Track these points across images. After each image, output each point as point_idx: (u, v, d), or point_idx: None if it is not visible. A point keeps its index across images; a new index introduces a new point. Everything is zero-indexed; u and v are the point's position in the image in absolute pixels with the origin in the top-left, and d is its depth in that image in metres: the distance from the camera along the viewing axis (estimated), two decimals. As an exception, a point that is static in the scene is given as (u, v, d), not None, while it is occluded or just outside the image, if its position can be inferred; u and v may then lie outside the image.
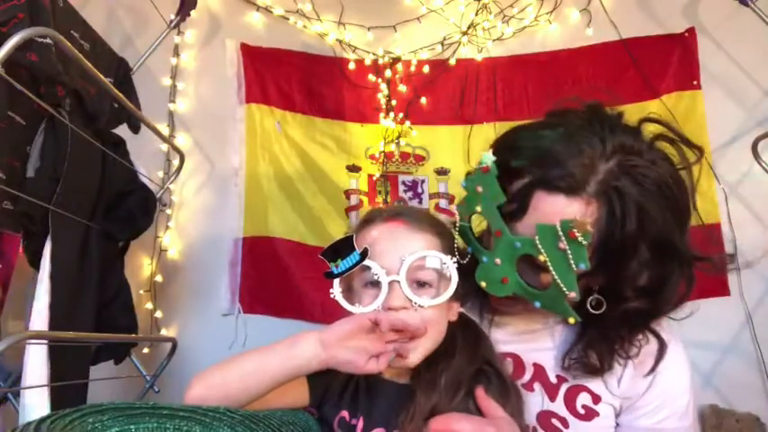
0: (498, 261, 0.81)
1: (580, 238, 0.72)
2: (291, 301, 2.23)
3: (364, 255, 0.80)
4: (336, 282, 0.82)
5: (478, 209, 0.83)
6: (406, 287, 0.78)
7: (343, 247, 0.82)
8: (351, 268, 0.81)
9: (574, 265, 0.74)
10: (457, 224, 0.87)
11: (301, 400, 0.84)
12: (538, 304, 0.81)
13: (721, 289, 2.09)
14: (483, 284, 0.84)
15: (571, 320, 0.80)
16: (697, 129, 2.17)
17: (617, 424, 0.90)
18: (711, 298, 2.09)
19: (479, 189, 0.82)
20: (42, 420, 0.61)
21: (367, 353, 0.76)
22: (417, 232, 0.82)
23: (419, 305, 0.79)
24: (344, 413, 0.82)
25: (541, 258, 0.76)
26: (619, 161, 0.75)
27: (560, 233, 0.74)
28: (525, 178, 0.78)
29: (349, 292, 0.84)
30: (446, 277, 0.81)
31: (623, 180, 0.74)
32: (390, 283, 0.79)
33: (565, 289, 0.76)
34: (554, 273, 0.76)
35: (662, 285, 0.79)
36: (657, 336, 0.87)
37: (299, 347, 0.77)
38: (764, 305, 2.06)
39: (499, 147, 0.84)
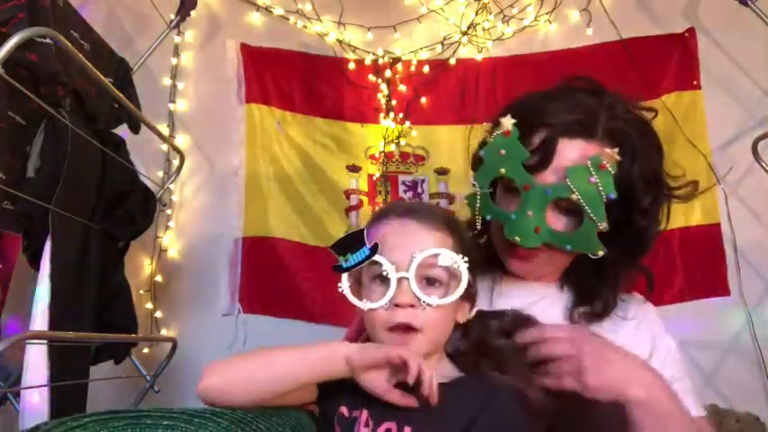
0: (530, 213, 0.87)
1: (609, 168, 0.84)
2: (291, 300, 2.22)
3: (374, 250, 0.79)
4: (344, 276, 0.81)
5: (503, 170, 0.90)
6: (415, 285, 0.77)
7: (353, 241, 0.80)
8: (360, 263, 0.79)
9: (604, 196, 0.85)
10: (478, 194, 0.93)
11: (310, 397, 0.84)
12: (569, 247, 0.88)
13: (721, 289, 2.09)
14: (517, 239, 0.88)
15: (600, 252, 0.87)
16: (697, 129, 2.17)
17: None
18: (711, 298, 2.09)
19: (502, 152, 0.90)
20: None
21: (388, 381, 0.76)
22: (429, 229, 0.81)
23: (427, 304, 0.78)
24: (343, 408, 0.81)
25: (573, 197, 0.86)
26: (614, 110, 0.90)
27: (591, 168, 0.85)
28: (543, 132, 0.89)
29: (357, 286, 0.83)
30: (456, 276, 0.80)
31: (622, 124, 0.89)
32: (399, 280, 0.77)
33: (597, 220, 0.86)
34: (587, 207, 0.86)
35: (648, 214, 0.92)
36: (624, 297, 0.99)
37: (330, 364, 0.77)
38: (764, 305, 2.06)
39: (513, 110, 0.92)
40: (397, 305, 0.77)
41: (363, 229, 0.81)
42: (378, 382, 0.75)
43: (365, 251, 0.79)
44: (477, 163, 0.98)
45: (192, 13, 2.34)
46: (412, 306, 0.77)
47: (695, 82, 2.20)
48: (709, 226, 2.14)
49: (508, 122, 0.90)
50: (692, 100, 2.20)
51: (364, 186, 2.36)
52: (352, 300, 0.81)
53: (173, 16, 2.31)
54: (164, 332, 2.25)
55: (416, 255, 0.77)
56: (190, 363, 2.14)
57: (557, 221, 0.90)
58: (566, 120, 0.89)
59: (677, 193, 0.95)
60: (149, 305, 2.24)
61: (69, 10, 1.65)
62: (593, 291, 0.95)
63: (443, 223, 0.83)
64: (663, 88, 2.20)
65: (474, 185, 0.96)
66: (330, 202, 2.33)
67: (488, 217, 0.93)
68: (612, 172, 0.85)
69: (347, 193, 2.34)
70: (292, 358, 0.78)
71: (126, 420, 0.70)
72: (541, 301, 0.96)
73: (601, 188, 0.85)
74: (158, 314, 2.26)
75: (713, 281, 2.10)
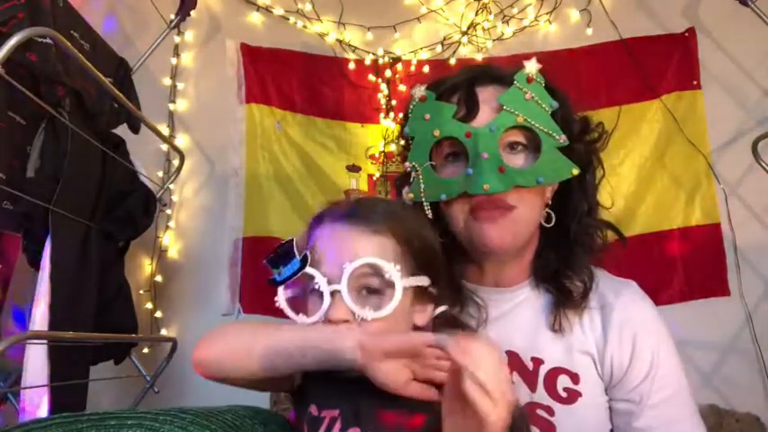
0: (485, 155, 0.82)
1: (538, 79, 0.84)
2: (291, 301, 2.22)
3: (305, 261, 0.74)
4: (280, 290, 0.76)
5: (437, 132, 0.86)
6: (348, 298, 0.71)
7: (284, 253, 0.75)
8: (292, 276, 0.75)
9: (547, 107, 0.83)
10: (420, 176, 0.87)
11: (291, 382, 0.79)
12: (541, 179, 0.83)
13: (721, 289, 2.09)
14: (486, 187, 0.81)
15: (575, 171, 0.85)
16: (697, 129, 2.17)
17: (611, 405, 0.89)
18: (711, 298, 2.09)
19: (427, 116, 0.87)
20: None
21: (408, 372, 0.67)
22: (366, 234, 0.74)
23: (362, 318, 0.71)
24: (313, 407, 0.76)
25: (520, 120, 0.83)
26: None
27: (520, 86, 0.84)
28: (457, 91, 0.88)
29: (305, 298, 0.78)
30: (393, 286, 0.72)
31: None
32: (332, 293, 0.72)
33: (554, 134, 0.83)
34: (537, 124, 0.83)
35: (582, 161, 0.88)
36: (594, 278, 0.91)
37: (337, 345, 0.69)
38: (764, 305, 2.06)
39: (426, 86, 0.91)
40: (329, 321, 0.72)
41: (292, 240, 0.76)
42: (395, 374, 0.67)
43: (296, 263, 0.74)
44: (407, 145, 0.93)
45: (192, 13, 2.34)
46: (346, 321, 0.72)
47: (695, 82, 2.20)
48: (709, 226, 2.14)
49: (419, 90, 0.89)
50: (692, 100, 2.20)
51: (364, 186, 2.35)
52: (289, 314, 0.76)
53: (173, 16, 2.31)
54: (164, 332, 2.25)
55: (346, 266, 0.72)
56: (190, 363, 2.13)
57: (516, 160, 0.85)
58: (472, 73, 0.90)
59: (593, 136, 0.92)
60: (149, 305, 2.24)
61: (69, 10, 1.65)
62: (565, 275, 0.89)
63: (384, 224, 0.76)
64: (663, 88, 2.21)
65: (410, 168, 0.88)
66: (330, 202, 2.33)
67: (443, 197, 0.85)
68: (542, 83, 0.84)
69: (347, 193, 2.34)
70: (295, 339, 0.72)
71: (90, 422, 0.69)
72: (516, 309, 0.92)
73: (539, 100, 0.83)
74: (158, 314, 2.26)
75: (713, 281, 2.10)
